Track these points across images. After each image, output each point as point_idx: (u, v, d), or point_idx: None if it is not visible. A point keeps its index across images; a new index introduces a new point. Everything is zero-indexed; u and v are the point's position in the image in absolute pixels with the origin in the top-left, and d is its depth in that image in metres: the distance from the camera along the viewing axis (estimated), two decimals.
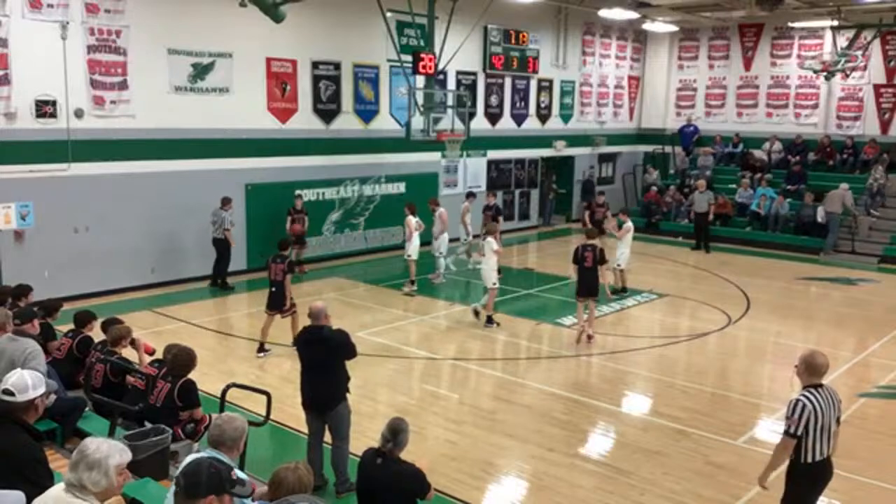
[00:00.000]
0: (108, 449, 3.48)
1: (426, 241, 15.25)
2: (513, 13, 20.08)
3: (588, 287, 11.45)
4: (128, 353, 7.47)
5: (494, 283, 12.23)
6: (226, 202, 14.25)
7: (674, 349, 11.53)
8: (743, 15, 21.32)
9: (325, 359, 6.71)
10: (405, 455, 4.98)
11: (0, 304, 8.00)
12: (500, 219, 15.32)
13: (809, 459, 5.17)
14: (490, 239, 12.33)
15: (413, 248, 14.50)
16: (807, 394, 5.18)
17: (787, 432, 5.16)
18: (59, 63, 12.61)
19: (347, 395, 6.83)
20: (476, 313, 12.36)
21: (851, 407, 8.96)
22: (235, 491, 3.53)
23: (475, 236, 15.12)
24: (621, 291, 14.36)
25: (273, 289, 10.61)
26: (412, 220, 14.48)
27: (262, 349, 10.72)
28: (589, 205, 18.07)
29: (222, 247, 14.38)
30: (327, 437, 6.88)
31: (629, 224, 14.40)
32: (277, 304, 10.60)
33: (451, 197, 18.94)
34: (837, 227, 19.08)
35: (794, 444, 5.16)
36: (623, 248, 14.27)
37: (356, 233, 17.81)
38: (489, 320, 12.23)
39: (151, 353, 7.63)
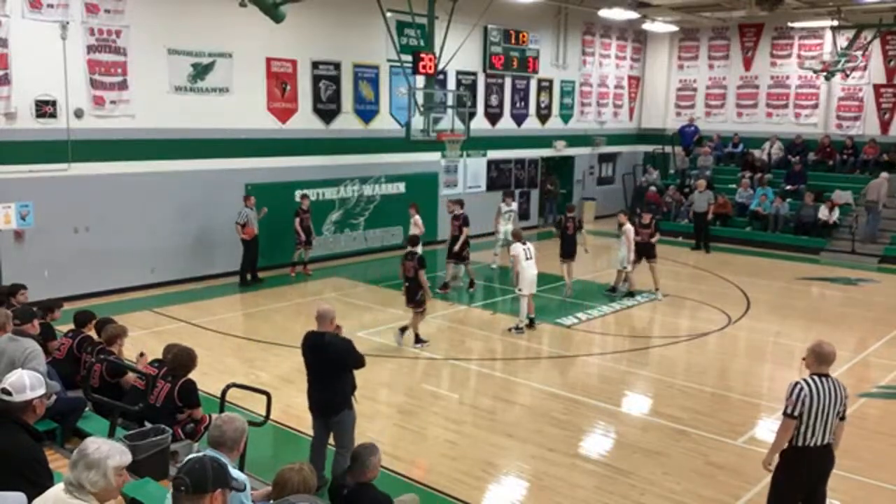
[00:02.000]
0: (108, 449, 3.48)
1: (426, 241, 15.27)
2: (513, 13, 20.08)
3: (568, 251, 14.28)
4: (128, 353, 7.46)
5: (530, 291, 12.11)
6: (245, 199, 14.61)
7: (674, 349, 11.53)
8: (743, 15, 21.32)
9: (325, 366, 6.59)
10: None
11: None
12: (466, 230, 14.52)
13: (799, 443, 5.32)
14: (530, 245, 12.13)
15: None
16: (807, 378, 5.34)
17: (784, 412, 5.36)
18: (59, 63, 12.61)
19: (355, 403, 6.67)
20: (517, 328, 12.08)
21: (851, 407, 8.91)
22: (234, 485, 3.54)
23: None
24: (630, 294, 14.36)
25: (407, 284, 11.09)
26: (419, 220, 14.55)
27: (418, 340, 11.20)
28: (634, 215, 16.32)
29: (244, 243, 14.64)
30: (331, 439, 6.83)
31: (628, 226, 14.37)
32: (412, 298, 11.06)
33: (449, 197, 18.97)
34: (878, 215, 19.33)
35: (794, 425, 5.29)
36: (623, 250, 14.23)
37: (356, 233, 17.81)
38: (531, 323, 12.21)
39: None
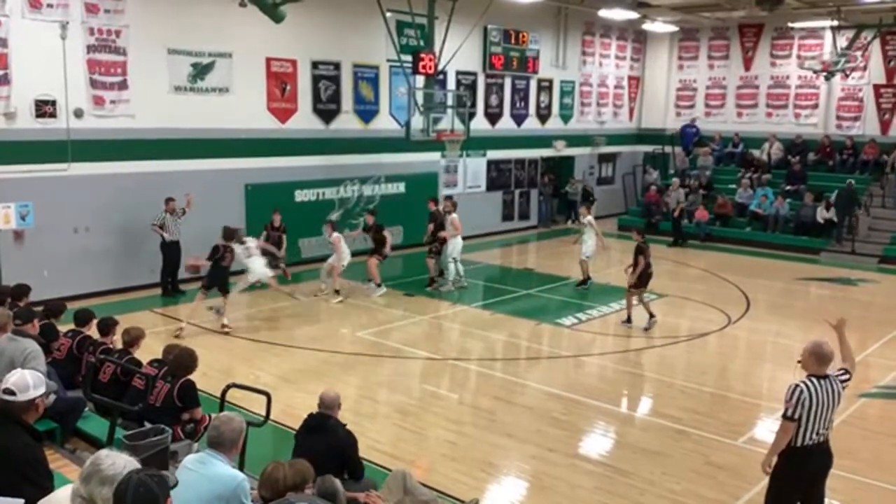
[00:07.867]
0: (122, 464, 3.42)
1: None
2: (513, 13, 20.07)
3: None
4: (138, 354, 7.47)
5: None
6: (167, 202, 13.63)
7: (674, 349, 11.53)
8: (743, 15, 21.32)
9: (319, 451, 5.39)
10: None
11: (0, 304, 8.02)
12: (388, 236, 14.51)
13: (797, 443, 5.34)
14: None
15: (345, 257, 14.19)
16: (806, 381, 5.33)
17: (783, 415, 5.38)
18: (58, 63, 12.60)
19: None
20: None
21: (851, 407, 8.96)
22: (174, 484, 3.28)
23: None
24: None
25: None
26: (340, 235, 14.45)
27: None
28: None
29: (161, 247, 13.75)
30: None
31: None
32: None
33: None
34: None
35: (794, 427, 5.30)
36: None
37: (356, 233, 17.75)
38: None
39: None
